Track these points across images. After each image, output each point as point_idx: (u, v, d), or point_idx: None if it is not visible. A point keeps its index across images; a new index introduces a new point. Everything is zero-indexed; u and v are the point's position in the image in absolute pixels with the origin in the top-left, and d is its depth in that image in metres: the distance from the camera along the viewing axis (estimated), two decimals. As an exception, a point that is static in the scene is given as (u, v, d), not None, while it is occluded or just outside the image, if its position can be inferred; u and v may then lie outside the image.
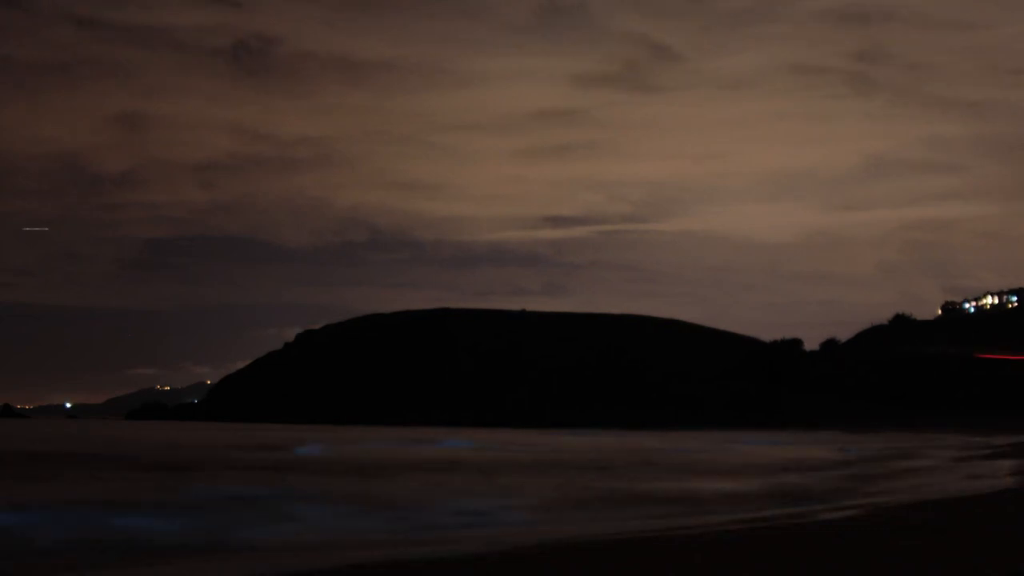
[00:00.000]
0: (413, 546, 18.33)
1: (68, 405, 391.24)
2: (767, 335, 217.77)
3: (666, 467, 46.03)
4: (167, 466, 37.81)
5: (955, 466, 46.30)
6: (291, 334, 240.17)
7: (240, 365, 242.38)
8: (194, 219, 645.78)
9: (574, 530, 20.62)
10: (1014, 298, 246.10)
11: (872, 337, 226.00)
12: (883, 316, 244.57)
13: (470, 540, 18.94)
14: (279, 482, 33.52)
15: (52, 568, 16.84)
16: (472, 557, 16.13)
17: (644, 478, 38.07)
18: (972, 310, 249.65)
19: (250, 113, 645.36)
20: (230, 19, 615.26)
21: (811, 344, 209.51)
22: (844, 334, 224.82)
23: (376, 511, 24.99)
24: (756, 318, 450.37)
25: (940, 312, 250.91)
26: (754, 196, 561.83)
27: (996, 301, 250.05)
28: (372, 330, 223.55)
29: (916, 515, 21.02)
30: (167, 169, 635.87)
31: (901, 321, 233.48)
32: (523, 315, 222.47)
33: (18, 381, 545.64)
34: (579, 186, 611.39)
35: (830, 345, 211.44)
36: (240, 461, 43.74)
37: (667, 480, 37.52)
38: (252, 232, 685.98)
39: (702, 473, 41.96)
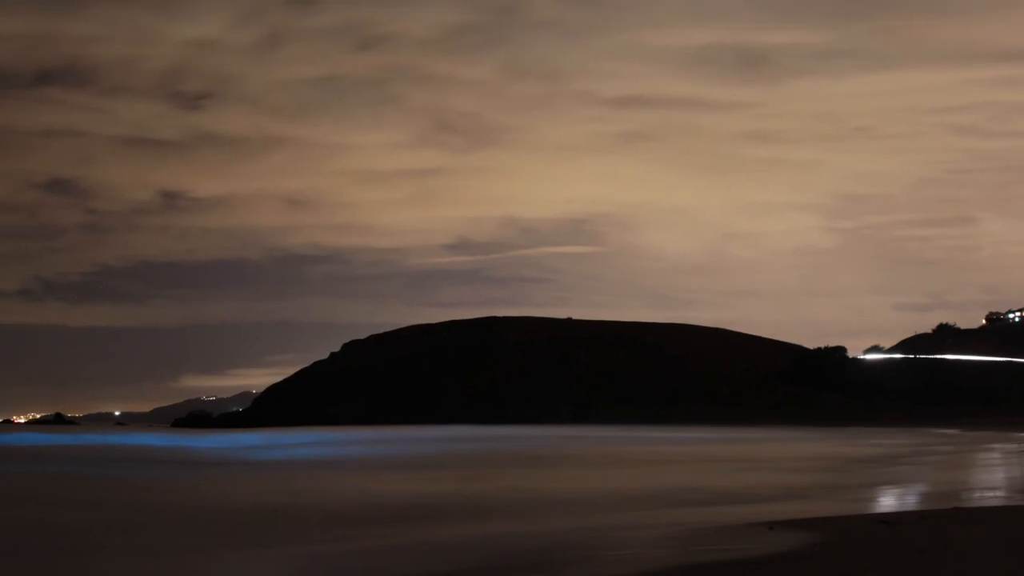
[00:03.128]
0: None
1: (117, 413, 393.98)
2: (811, 342, 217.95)
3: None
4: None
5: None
6: (338, 345, 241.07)
7: (287, 374, 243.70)
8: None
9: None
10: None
11: (915, 345, 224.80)
12: (927, 325, 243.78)
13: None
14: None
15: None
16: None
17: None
18: (1017, 319, 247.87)
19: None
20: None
21: (854, 351, 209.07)
22: (888, 342, 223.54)
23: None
24: (798, 325, 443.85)
25: (984, 322, 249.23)
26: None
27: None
28: (418, 338, 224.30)
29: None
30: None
31: (945, 330, 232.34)
32: (570, 323, 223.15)
33: (69, 391, 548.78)
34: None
35: (874, 351, 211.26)
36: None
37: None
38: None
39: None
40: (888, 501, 29.84)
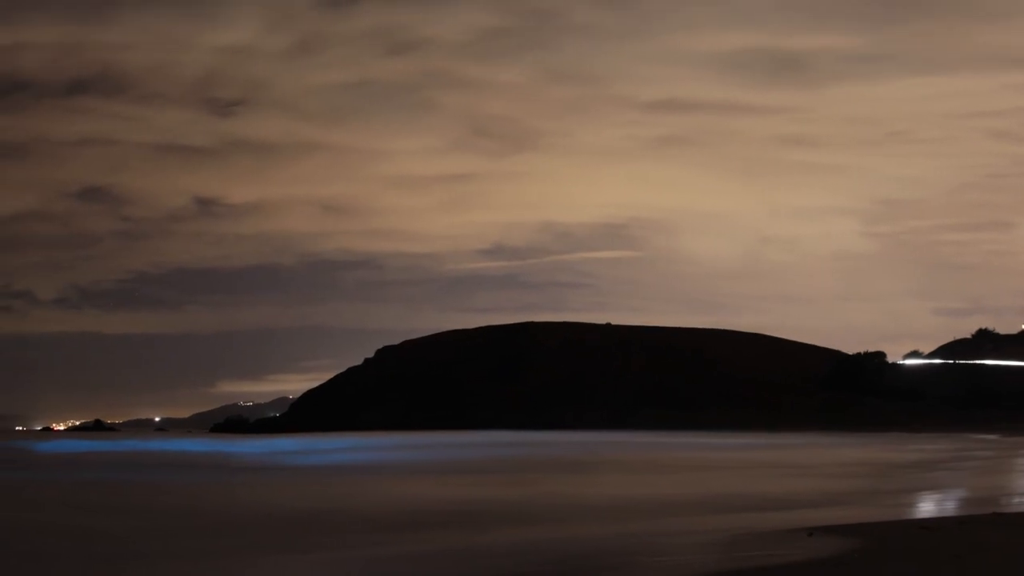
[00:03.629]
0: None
1: (157, 419, 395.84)
2: (849, 348, 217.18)
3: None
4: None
5: None
6: (371, 350, 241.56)
7: (322, 380, 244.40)
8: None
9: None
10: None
11: (955, 350, 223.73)
12: (966, 330, 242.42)
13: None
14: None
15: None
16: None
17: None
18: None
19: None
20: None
21: (893, 356, 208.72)
22: (926, 347, 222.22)
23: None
24: (837, 330, 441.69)
25: (1023, 328, 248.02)
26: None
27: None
28: (452, 344, 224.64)
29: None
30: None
31: (984, 335, 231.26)
32: (608, 328, 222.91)
33: (107, 397, 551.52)
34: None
35: (913, 357, 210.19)
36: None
37: None
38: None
39: None
40: (927, 507, 29.91)
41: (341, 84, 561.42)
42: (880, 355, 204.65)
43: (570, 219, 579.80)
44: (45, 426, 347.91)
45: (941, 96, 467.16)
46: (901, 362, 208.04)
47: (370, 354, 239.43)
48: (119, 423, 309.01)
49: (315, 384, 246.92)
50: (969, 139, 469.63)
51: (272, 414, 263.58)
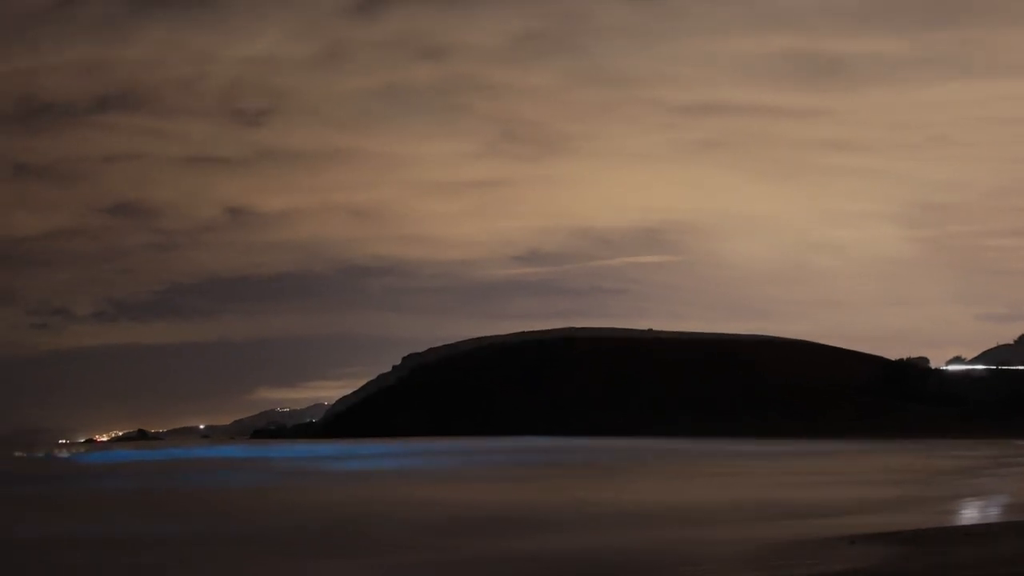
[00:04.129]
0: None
1: (201, 427, 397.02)
2: (892, 353, 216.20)
3: None
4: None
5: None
6: (402, 357, 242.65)
7: (357, 386, 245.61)
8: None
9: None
10: None
11: (998, 356, 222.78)
12: (1009, 336, 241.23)
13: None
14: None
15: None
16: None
17: None
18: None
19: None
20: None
21: (936, 362, 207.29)
22: (968, 353, 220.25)
23: None
24: (879, 335, 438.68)
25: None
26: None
27: None
28: (487, 349, 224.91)
29: None
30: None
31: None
32: (649, 334, 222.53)
33: (149, 407, 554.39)
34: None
35: (956, 363, 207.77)
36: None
37: None
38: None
39: None
40: (971, 513, 29.54)
41: (368, 90, 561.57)
42: (923, 361, 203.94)
43: (605, 224, 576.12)
44: (88, 438, 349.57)
45: (981, 101, 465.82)
46: (944, 368, 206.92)
47: (400, 361, 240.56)
48: (163, 432, 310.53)
49: (348, 390, 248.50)
50: (1010, 144, 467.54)
51: (309, 420, 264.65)
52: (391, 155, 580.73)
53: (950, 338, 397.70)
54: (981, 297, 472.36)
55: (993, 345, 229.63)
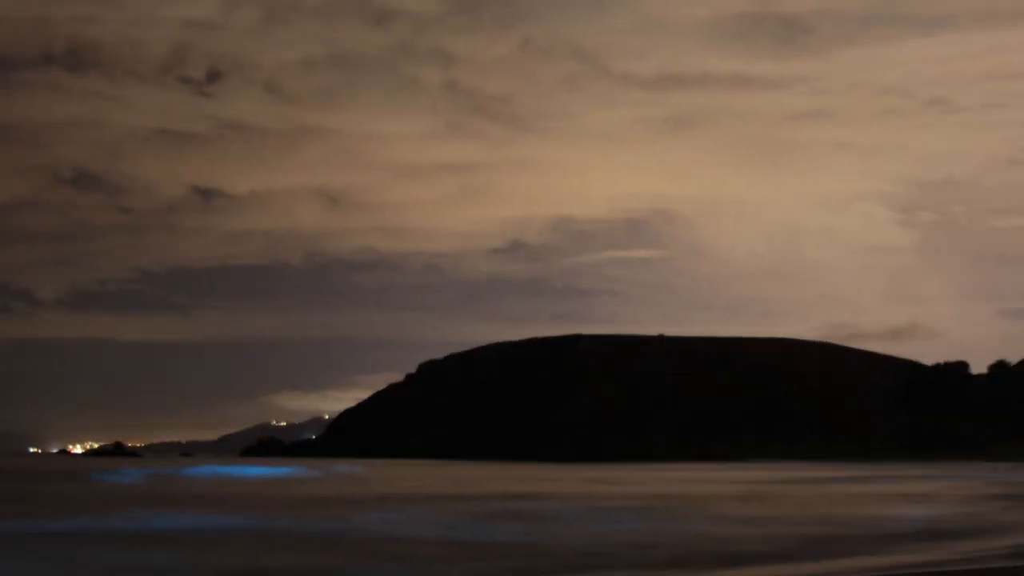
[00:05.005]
0: None
1: (184, 442, 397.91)
2: (928, 355, 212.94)
3: None
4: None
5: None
6: (413, 365, 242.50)
7: (360, 398, 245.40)
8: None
9: None
10: None
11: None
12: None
13: None
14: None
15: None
16: None
17: None
18: None
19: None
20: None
21: (978, 367, 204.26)
22: (1014, 355, 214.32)
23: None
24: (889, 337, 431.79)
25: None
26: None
27: None
28: (497, 358, 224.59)
29: None
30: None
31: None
32: (661, 340, 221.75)
33: (126, 416, 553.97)
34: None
35: (1000, 368, 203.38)
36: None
37: None
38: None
39: None
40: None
41: (317, 59, 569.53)
42: (962, 366, 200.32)
43: (584, 214, 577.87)
44: (61, 448, 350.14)
45: (959, 57, 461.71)
46: (987, 373, 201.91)
47: (409, 368, 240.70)
48: (140, 447, 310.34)
49: (352, 403, 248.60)
50: (1016, 106, 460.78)
51: (308, 436, 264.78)
52: (356, 133, 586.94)
53: (974, 340, 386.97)
54: (1000, 288, 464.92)
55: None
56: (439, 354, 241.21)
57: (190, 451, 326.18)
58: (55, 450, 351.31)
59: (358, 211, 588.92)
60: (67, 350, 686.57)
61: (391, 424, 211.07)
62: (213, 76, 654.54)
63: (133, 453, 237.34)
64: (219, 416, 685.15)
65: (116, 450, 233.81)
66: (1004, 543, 24.55)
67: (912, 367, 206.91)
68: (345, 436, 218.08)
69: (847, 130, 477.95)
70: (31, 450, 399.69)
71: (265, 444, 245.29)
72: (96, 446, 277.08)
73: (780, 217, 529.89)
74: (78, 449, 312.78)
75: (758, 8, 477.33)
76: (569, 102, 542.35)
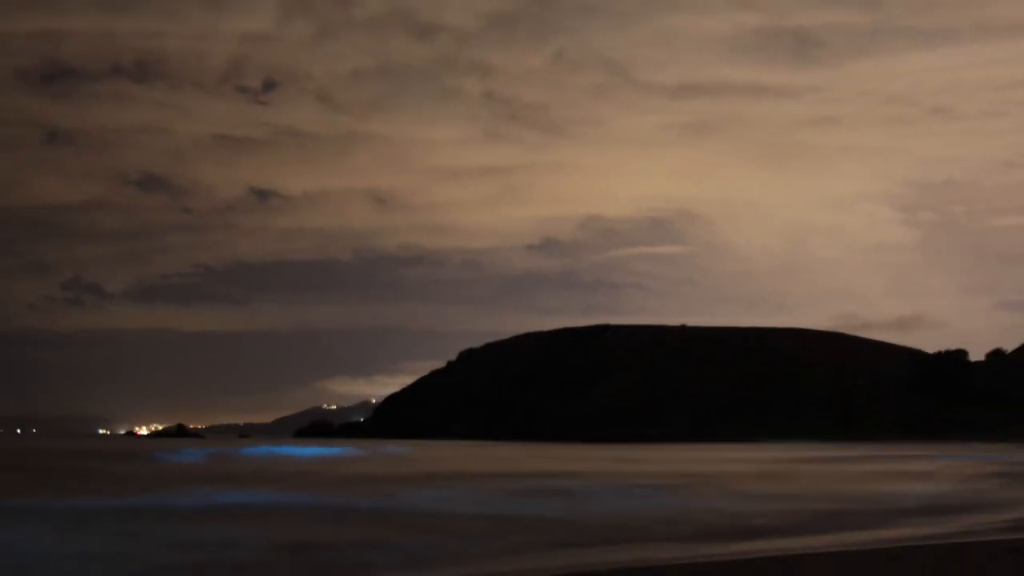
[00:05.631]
0: None
1: (241, 424, 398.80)
2: (931, 344, 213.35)
3: None
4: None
5: None
6: (454, 353, 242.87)
7: (404, 384, 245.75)
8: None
9: None
10: None
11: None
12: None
13: None
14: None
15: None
16: None
17: None
18: None
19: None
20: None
21: (977, 355, 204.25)
22: (1011, 343, 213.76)
23: None
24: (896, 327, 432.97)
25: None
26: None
27: None
28: (531, 347, 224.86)
29: None
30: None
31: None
32: (683, 330, 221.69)
33: (188, 401, 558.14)
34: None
35: (996, 356, 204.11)
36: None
37: None
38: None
39: None
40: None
41: (366, 70, 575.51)
42: (961, 354, 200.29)
43: (613, 213, 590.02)
44: (128, 430, 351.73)
45: (958, 68, 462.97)
46: (982, 359, 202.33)
47: (451, 356, 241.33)
48: (201, 428, 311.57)
49: (397, 388, 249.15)
50: (1015, 113, 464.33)
51: (357, 419, 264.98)
52: (402, 139, 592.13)
53: (972, 330, 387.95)
54: (997, 283, 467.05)
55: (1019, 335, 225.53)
56: (478, 343, 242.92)
57: (247, 432, 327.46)
58: (122, 432, 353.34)
59: (403, 211, 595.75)
60: (133, 340, 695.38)
61: (433, 407, 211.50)
62: (269, 86, 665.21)
63: (194, 434, 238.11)
64: (274, 400, 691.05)
65: (178, 432, 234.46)
66: (1002, 517, 24.44)
67: (916, 355, 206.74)
68: (391, 418, 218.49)
69: (854, 136, 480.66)
70: (100, 432, 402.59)
71: (317, 426, 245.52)
72: (160, 428, 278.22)
73: (792, 216, 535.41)
74: (143, 431, 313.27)
75: (773, 23, 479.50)
76: (598, 110, 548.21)
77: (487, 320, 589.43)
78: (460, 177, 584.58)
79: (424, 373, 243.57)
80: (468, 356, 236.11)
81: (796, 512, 26.10)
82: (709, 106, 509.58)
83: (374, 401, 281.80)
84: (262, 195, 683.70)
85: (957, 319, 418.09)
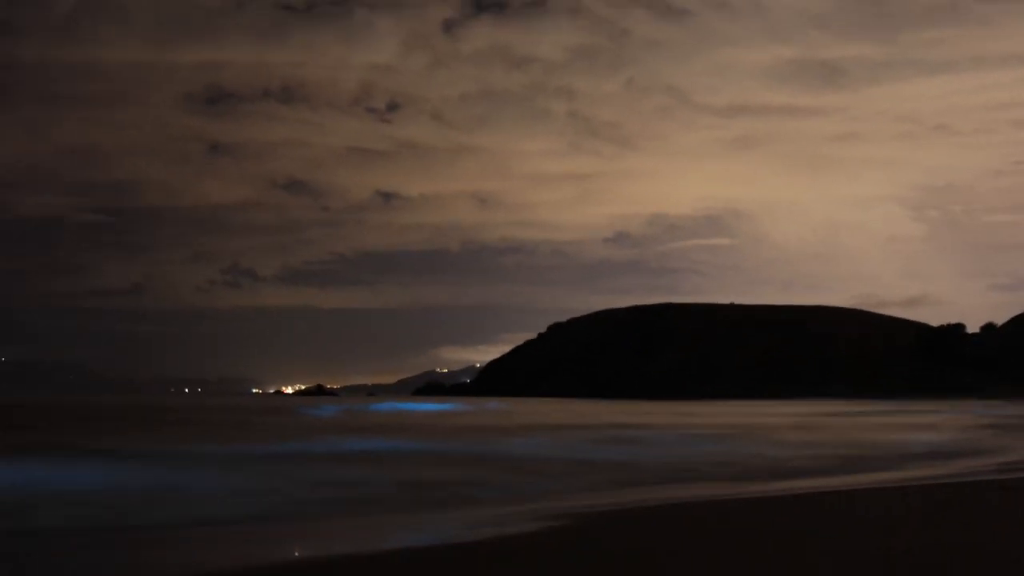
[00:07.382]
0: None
1: (369, 384, 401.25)
2: (935, 319, 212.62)
3: None
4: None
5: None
6: (544, 326, 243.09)
7: (503, 351, 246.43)
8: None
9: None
10: None
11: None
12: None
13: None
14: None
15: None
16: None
17: None
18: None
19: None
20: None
21: (973, 327, 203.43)
22: (1001, 318, 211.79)
23: None
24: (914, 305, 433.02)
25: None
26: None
27: None
28: (608, 320, 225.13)
29: None
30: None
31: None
32: (732, 307, 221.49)
33: (326, 365, 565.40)
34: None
35: (989, 329, 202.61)
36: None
37: None
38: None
39: None
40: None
41: (472, 94, 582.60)
42: (960, 327, 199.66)
43: (675, 211, 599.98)
44: (277, 389, 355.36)
45: (958, 92, 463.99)
46: (979, 332, 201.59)
47: (541, 329, 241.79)
48: (336, 388, 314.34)
49: (497, 354, 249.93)
50: (1003, 131, 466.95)
51: (464, 380, 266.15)
52: (501, 151, 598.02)
53: (967, 307, 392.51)
54: (990, 269, 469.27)
55: (1015, 313, 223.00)
56: (564, 318, 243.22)
57: (374, 392, 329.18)
58: (272, 391, 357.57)
59: (502, 209, 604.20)
60: (281, 315, 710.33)
61: (527, 371, 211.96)
62: (392, 107, 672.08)
63: (331, 393, 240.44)
64: (396, 365, 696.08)
65: (318, 391, 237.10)
66: (993, 461, 24.19)
67: (923, 328, 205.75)
68: (492, 380, 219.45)
69: (872, 148, 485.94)
70: (254, 391, 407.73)
71: (431, 386, 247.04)
72: (303, 388, 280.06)
73: (821, 214, 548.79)
74: (289, 390, 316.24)
75: (805, 55, 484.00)
76: (662, 127, 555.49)
77: (571, 299, 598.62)
78: (549, 182, 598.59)
79: (519, 343, 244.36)
80: (556, 329, 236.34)
81: (825, 457, 25.96)
82: (753, 124, 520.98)
83: (478, 366, 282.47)
84: (386, 197, 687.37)
85: (957, 298, 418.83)
